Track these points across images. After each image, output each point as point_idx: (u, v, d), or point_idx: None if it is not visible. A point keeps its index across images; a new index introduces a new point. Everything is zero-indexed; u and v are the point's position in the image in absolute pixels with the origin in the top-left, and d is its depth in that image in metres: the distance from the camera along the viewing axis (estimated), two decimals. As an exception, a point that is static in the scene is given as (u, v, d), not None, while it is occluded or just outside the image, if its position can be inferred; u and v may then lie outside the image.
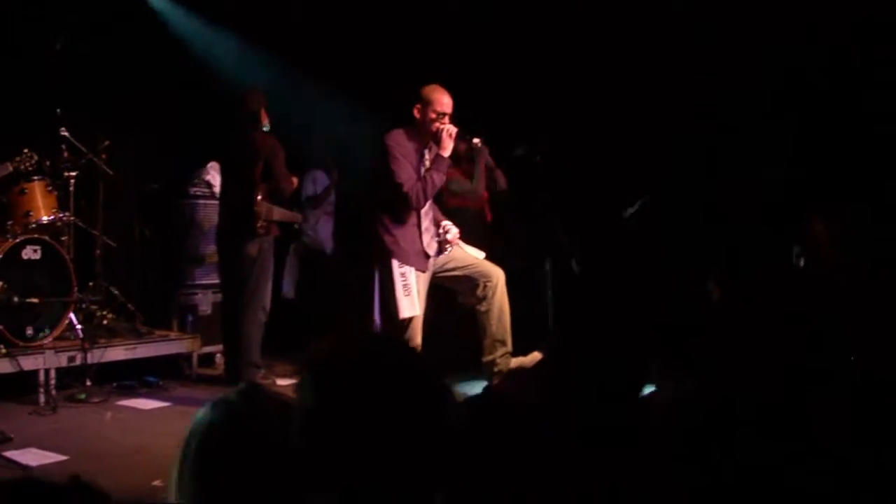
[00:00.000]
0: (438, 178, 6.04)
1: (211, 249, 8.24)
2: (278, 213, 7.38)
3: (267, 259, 7.28)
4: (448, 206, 7.07)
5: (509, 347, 6.31)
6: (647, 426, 2.30)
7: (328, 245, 9.29)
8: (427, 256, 6.13)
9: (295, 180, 7.69)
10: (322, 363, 1.78)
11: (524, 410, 2.24)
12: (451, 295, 6.60)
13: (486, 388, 4.75)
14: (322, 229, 9.20)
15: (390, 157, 5.93)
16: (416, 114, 6.03)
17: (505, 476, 2.05)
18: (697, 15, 7.31)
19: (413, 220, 6.06)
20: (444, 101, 6.05)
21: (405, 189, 5.91)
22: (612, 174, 7.74)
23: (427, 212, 6.14)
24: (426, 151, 6.12)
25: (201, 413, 2.03)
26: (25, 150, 6.20)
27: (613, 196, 7.61)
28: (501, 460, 2.06)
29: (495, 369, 6.29)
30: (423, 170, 6.04)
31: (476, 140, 6.31)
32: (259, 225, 7.11)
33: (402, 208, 6.01)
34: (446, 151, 6.03)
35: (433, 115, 6.01)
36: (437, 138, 6.04)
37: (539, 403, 2.42)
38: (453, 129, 6.04)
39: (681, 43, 7.40)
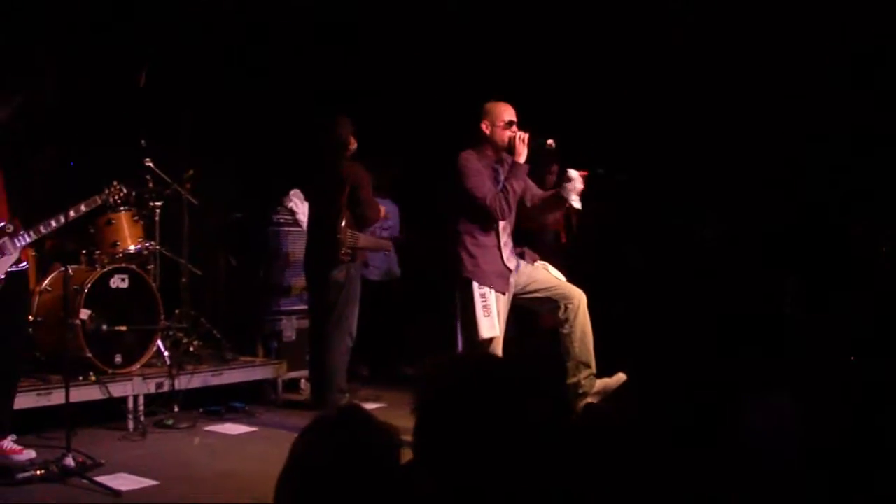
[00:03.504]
0: (518, 186, 6.00)
1: (295, 279, 8.31)
2: (364, 240, 7.42)
3: (354, 285, 7.32)
4: (523, 228, 7.04)
5: (593, 369, 6.23)
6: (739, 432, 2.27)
7: (373, 274, 9.21)
8: (508, 273, 6.11)
9: (383, 209, 7.73)
10: (443, 379, 1.78)
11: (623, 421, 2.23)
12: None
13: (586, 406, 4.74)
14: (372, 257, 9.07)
15: (467, 176, 5.92)
16: (485, 129, 6.03)
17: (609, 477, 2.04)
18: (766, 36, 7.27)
19: (493, 240, 6.04)
20: (509, 110, 6.06)
21: (487, 202, 5.89)
22: (690, 190, 7.68)
23: (505, 227, 6.13)
24: (499, 167, 6.11)
25: (303, 435, 2.05)
26: (115, 183, 6.31)
27: (692, 213, 7.55)
28: (607, 465, 2.05)
29: (580, 391, 6.22)
30: (500, 184, 6.04)
31: (550, 141, 6.26)
32: (343, 252, 7.16)
33: (483, 227, 6.00)
34: (522, 158, 6.00)
35: (502, 125, 6.02)
36: (510, 147, 6.04)
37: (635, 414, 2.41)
38: (525, 135, 6.03)
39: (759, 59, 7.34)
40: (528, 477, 1.67)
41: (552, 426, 1.73)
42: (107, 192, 6.24)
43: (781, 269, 6.94)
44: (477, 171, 5.94)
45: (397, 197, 9.19)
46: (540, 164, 7.02)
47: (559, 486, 1.72)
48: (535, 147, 6.13)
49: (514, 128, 6.03)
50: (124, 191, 6.37)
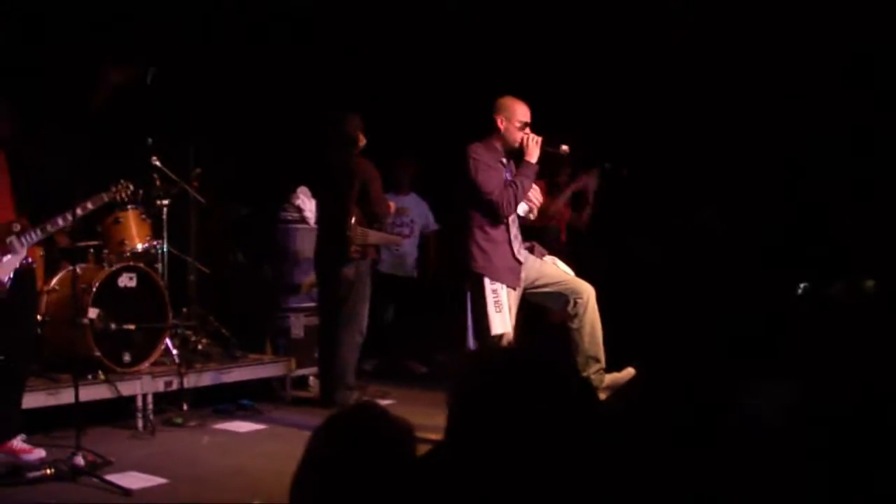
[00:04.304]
0: (527, 184, 6.06)
1: (303, 276, 8.30)
2: (375, 236, 7.42)
3: (364, 282, 7.32)
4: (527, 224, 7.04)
5: (602, 364, 6.23)
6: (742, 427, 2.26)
7: (410, 268, 9.27)
8: (519, 267, 6.11)
9: (392, 205, 7.73)
10: (480, 370, 1.78)
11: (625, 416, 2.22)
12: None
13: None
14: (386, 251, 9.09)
15: (477, 169, 5.94)
16: (500, 124, 6.05)
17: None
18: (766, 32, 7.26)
19: (504, 235, 6.05)
20: (526, 112, 6.09)
21: (495, 197, 5.92)
22: (696, 185, 7.68)
23: (514, 220, 6.14)
24: (505, 161, 6.13)
25: (319, 432, 2.04)
26: (122, 181, 6.30)
27: (698, 206, 7.55)
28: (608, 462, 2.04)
29: (589, 386, 6.21)
30: (506, 177, 6.05)
31: (564, 147, 6.27)
32: (353, 249, 7.15)
33: (493, 221, 6.01)
34: (534, 158, 6.04)
35: (518, 124, 6.03)
36: (521, 147, 6.05)
37: (637, 409, 2.40)
38: (539, 138, 6.05)
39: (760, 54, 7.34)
40: (565, 469, 1.67)
41: (588, 415, 1.72)
42: (114, 189, 6.24)
43: (784, 265, 6.93)
44: (487, 166, 5.97)
45: (424, 191, 9.20)
46: (551, 168, 7.04)
47: (590, 477, 1.72)
48: (548, 151, 6.16)
49: (528, 129, 6.05)
50: (131, 188, 6.37)
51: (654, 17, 7.87)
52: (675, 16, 7.76)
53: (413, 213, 9.09)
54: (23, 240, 5.69)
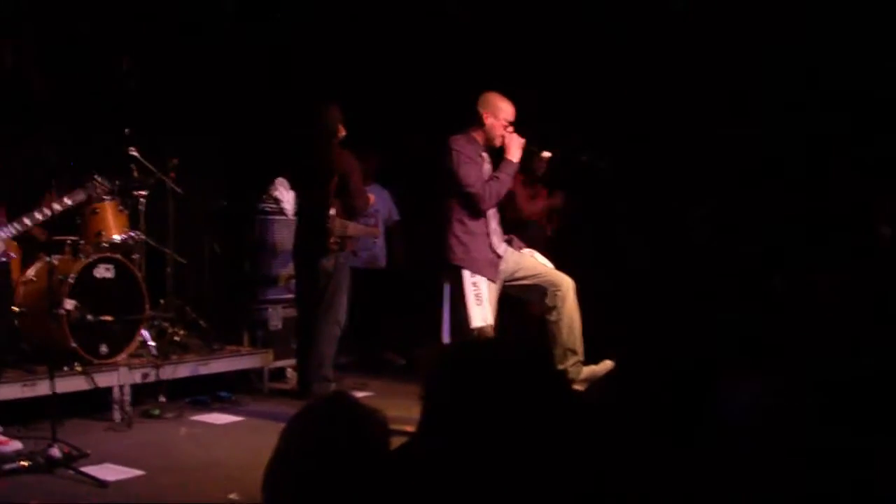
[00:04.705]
0: (507, 181, 6.10)
1: (281, 268, 8.28)
2: (353, 228, 7.40)
3: (343, 274, 7.31)
4: (508, 217, 7.05)
5: (581, 356, 6.25)
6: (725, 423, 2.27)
7: (382, 260, 9.24)
8: (498, 260, 6.12)
9: (371, 197, 7.72)
10: (455, 363, 1.78)
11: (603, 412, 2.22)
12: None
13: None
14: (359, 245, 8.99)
15: (458, 162, 5.97)
16: (486, 120, 6.07)
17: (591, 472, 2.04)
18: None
19: (483, 227, 6.07)
20: (511, 111, 6.13)
21: (475, 190, 5.95)
22: (677, 178, 7.69)
23: (494, 213, 6.16)
24: (485, 155, 6.14)
25: (292, 423, 2.04)
26: (97, 178, 6.25)
27: (679, 200, 7.57)
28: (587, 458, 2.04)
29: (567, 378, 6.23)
30: (486, 171, 6.07)
31: (546, 154, 6.30)
32: (332, 241, 7.14)
33: (472, 214, 6.02)
34: (515, 157, 6.07)
35: (503, 122, 6.06)
36: (503, 145, 6.08)
37: (617, 404, 2.40)
38: (521, 140, 6.08)
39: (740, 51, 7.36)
40: (539, 462, 1.67)
41: (562, 408, 1.73)
42: (90, 186, 6.20)
43: (768, 263, 6.97)
44: (469, 159, 5.99)
45: (386, 182, 9.20)
46: (529, 167, 7.05)
47: (569, 464, 1.73)
48: (529, 153, 6.19)
49: (511, 128, 6.06)
50: (107, 186, 6.32)
51: (645, 13, 7.87)
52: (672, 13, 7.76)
53: (376, 203, 9.04)
54: (1, 233, 5.65)
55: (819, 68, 7.10)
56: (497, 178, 6.03)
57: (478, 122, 6.10)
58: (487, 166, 6.13)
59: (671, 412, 2.38)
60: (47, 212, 5.85)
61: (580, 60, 8.03)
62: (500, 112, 6.09)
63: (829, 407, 2.11)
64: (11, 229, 5.72)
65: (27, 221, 5.81)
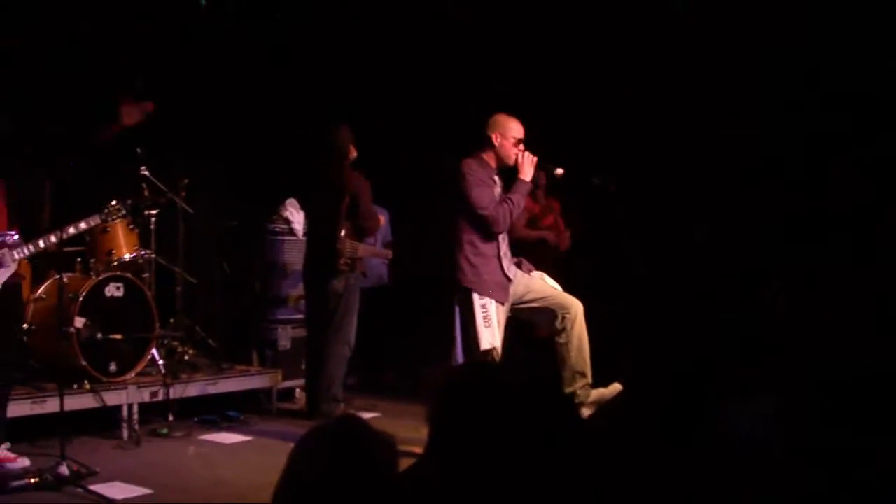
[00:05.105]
0: (521, 201, 6.11)
1: (290, 288, 8.29)
2: (364, 249, 7.43)
3: (353, 295, 7.32)
4: (520, 237, 7.05)
5: (589, 379, 6.24)
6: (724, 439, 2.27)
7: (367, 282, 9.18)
8: (508, 283, 6.12)
9: (382, 218, 7.73)
10: (462, 386, 1.79)
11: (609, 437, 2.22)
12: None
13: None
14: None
15: (469, 185, 5.97)
16: (495, 140, 6.09)
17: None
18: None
19: (494, 250, 6.07)
20: (520, 129, 6.14)
21: (489, 213, 5.95)
22: (683, 200, 7.70)
23: (504, 237, 6.17)
24: (497, 178, 6.15)
25: (301, 444, 2.05)
26: (113, 203, 6.30)
27: (684, 222, 7.58)
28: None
29: (576, 401, 6.23)
30: (497, 193, 6.07)
31: (559, 171, 6.30)
32: (342, 262, 7.16)
33: (484, 236, 6.03)
34: (527, 176, 6.08)
35: (512, 141, 6.07)
36: (515, 164, 6.09)
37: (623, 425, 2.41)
38: (534, 158, 6.09)
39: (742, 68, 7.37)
40: (545, 481, 1.68)
41: (567, 431, 1.73)
42: (106, 211, 6.24)
43: (768, 271, 6.98)
44: (481, 182, 6.00)
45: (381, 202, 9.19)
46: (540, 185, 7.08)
47: (574, 488, 1.73)
48: (542, 171, 6.20)
49: (521, 146, 6.08)
50: (122, 210, 6.37)
51: (645, 13, 7.88)
52: (672, 20, 7.77)
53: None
54: (15, 254, 5.68)
55: (819, 68, 7.10)
56: (510, 199, 6.03)
57: (488, 144, 6.12)
58: (498, 190, 6.14)
59: (672, 413, 2.39)
60: (62, 234, 5.89)
61: (580, 60, 8.02)
62: (508, 131, 6.10)
63: (829, 407, 2.11)
64: (25, 250, 5.75)
65: (41, 244, 5.85)
